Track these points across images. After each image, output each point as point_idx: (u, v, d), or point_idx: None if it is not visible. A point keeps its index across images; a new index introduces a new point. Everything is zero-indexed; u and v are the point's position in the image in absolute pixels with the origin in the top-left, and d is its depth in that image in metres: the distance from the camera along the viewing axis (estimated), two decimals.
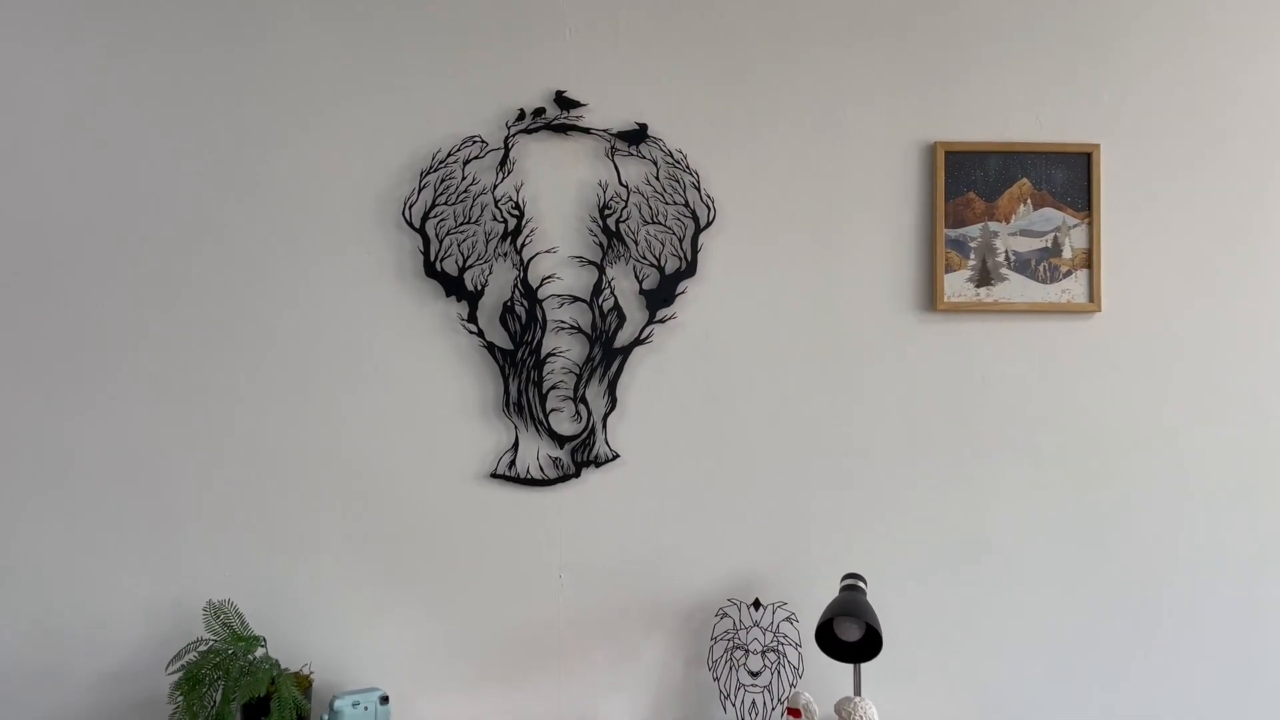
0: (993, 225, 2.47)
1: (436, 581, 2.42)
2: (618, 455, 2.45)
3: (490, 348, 2.41)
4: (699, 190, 2.45)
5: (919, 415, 2.46)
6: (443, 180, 2.41)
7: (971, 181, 2.46)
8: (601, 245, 2.44)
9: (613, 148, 2.43)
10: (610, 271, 2.44)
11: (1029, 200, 2.47)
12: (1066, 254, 2.47)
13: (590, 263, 2.44)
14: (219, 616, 2.22)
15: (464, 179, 2.41)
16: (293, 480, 2.40)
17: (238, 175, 2.40)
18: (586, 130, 2.43)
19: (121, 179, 2.39)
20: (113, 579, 2.37)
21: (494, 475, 2.42)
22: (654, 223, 2.44)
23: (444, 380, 2.42)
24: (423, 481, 2.42)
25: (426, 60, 2.43)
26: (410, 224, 2.40)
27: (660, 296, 2.44)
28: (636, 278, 2.44)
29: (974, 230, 2.46)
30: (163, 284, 2.39)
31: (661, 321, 2.44)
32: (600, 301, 2.43)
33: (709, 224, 2.45)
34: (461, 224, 2.41)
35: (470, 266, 2.41)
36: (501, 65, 2.44)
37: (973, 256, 2.46)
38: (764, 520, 2.45)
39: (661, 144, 2.44)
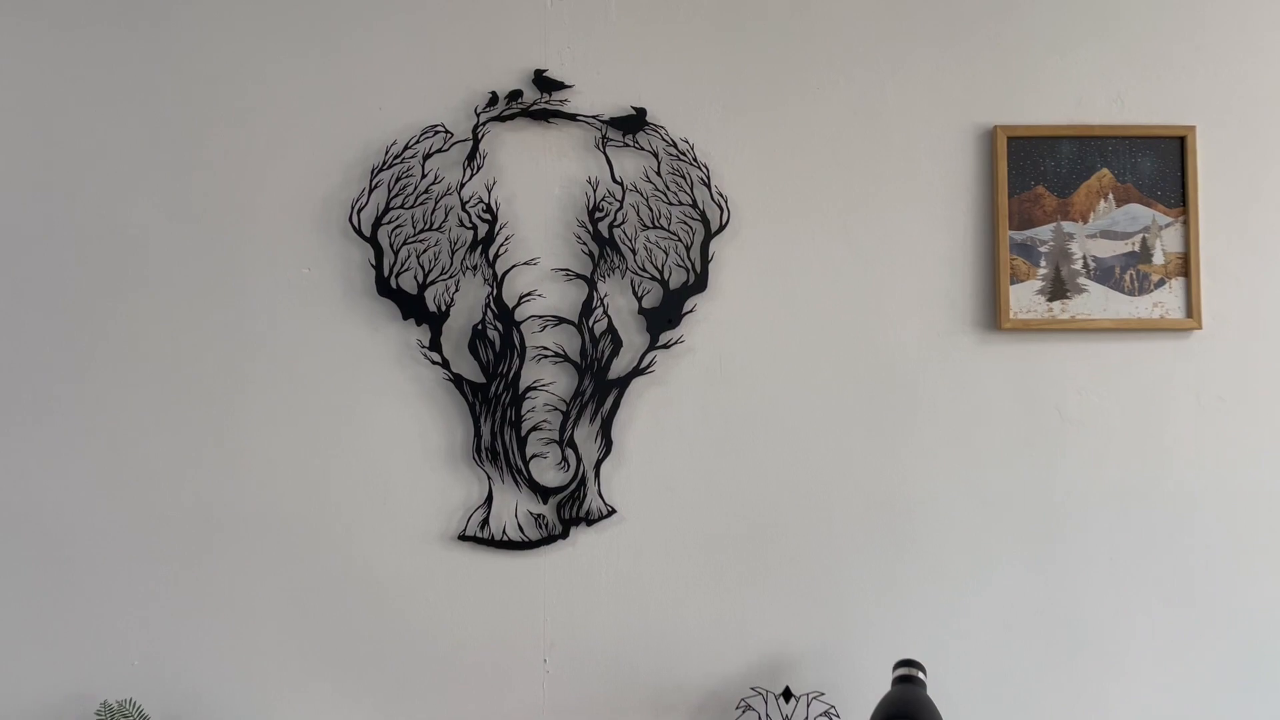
0: (1067, 226, 2.04)
1: (395, 670, 1.98)
2: (613, 511, 2.01)
3: (457, 381, 1.99)
4: (709, 187, 2.03)
5: (981, 460, 2.02)
6: (398, 178, 2.00)
7: (1040, 173, 2.04)
8: (592, 255, 2.01)
9: (604, 137, 2.02)
10: (603, 287, 2.02)
11: (1110, 195, 2.04)
12: (1158, 259, 2.03)
13: (578, 276, 2.02)
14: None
15: (424, 176, 2.00)
16: (221, 545, 1.97)
17: (150, 177, 1.99)
18: (572, 117, 2.02)
19: (7, 183, 1.99)
20: None
21: (463, 537, 1.99)
22: (655, 227, 2.02)
23: (402, 421, 2.00)
24: (378, 545, 1.99)
25: (379, 36, 2.03)
26: (359, 232, 1.99)
27: (663, 316, 2.01)
28: (634, 294, 2.02)
29: (1044, 232, 2.03)
30: (62, 310, 1.98)
31: (665, 346, 2.01)
32: (591, 323, 2.01)
33: (722, 228, 2.03)
34: (421, 231, 1.99)
35: (432, 282, 1.99)
36: (469, 41, 2.04)
37: (1044, 264, 2.03)
38: (795, 590, 2.01)
39: (663, 132, 2.03)
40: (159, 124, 2.00)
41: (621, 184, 2.02)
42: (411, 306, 1.98)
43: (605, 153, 2.02)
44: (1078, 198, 2.04)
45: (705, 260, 2.02)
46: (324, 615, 1.98)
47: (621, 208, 2.02)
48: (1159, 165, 2.04)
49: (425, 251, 1.99)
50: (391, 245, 1.99)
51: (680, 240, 2.03)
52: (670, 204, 2.03)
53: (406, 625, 1.98)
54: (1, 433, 1.98)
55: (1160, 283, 2.03)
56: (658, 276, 2.02)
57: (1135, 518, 2.01)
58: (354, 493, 1.99)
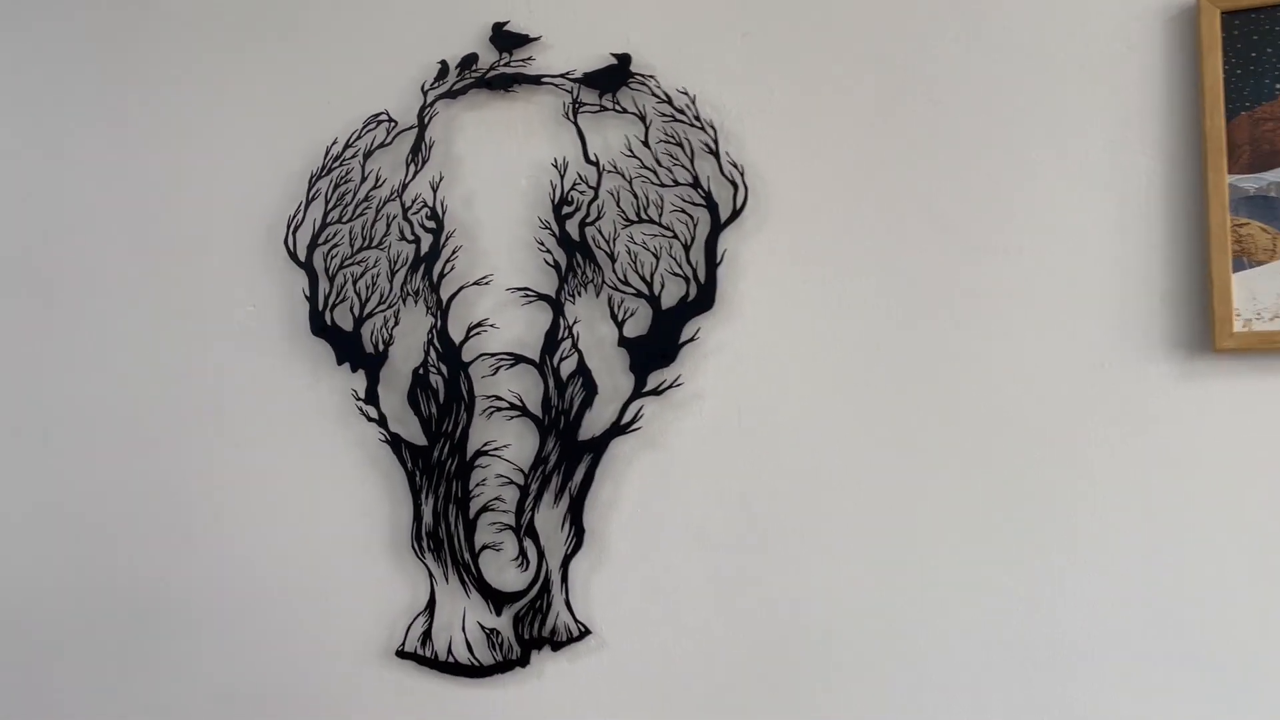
0: None
1: None
2: (587, 631, 1.43)
3: (394, 443, 1.52)
4: (717, 156, 1.39)
5: (1202, 600, 1.15)
6: (336, 185, 1.60)
7: None
8: (557, 266, 1.46)
9: (575, 101, 1.47)
10: (572, 310, 1.46)
11: None
12: None
13: (541, 297, 1.47)
14: None
15: (364, 179, 1.58)
16: (158, 632, 1.67)
17: (92, 203, 1.76)
18: (537, 80, 1.49)
19: None
20: None
21: (401, 653, 1.51)
22: (641, 220, 1.43)
23: (342, 493, 1.58)
24: (310, 653, 1.58)
25: (324, 11, 1.65)
26: (293, 255, 1.61)
27: (653, 348, 1.40)
28: (614, 316, 1.43)
29: None
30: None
31: (657, 392, 1.40)
32: (556, 362, 1.45)
33: (736, 214, 1.38)
34: (360, 249, 1.57)
35: (370, 315, 1.56)
36: (422, 2, 1.59)
37: None
38: None
39: (654, 84, 1.43)
40: (105, 144, 1.76)
41: (596, 163, 1.45)
42: (346, 347, 1.56)
43: (576, 122, 1.47)
44: None
45: (712, 264, 1.38)
46: None
47: (596, 197, 1.45)
48: None
49: (363, 275, 1.57)
50: (327, 270, 1.59)
51: (677, 236, 1.41)
52: (661, 185, 1.42)
53: None
54: None
55: None
56: (644, 291, 1.41)
57: None
58: (289, 583, 1.60)
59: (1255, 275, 1.15)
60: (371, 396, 1.55)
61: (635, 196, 1.43)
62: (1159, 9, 1.21)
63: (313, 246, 1.60)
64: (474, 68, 1.53)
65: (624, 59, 1.45)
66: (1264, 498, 1.15)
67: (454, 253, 1.52)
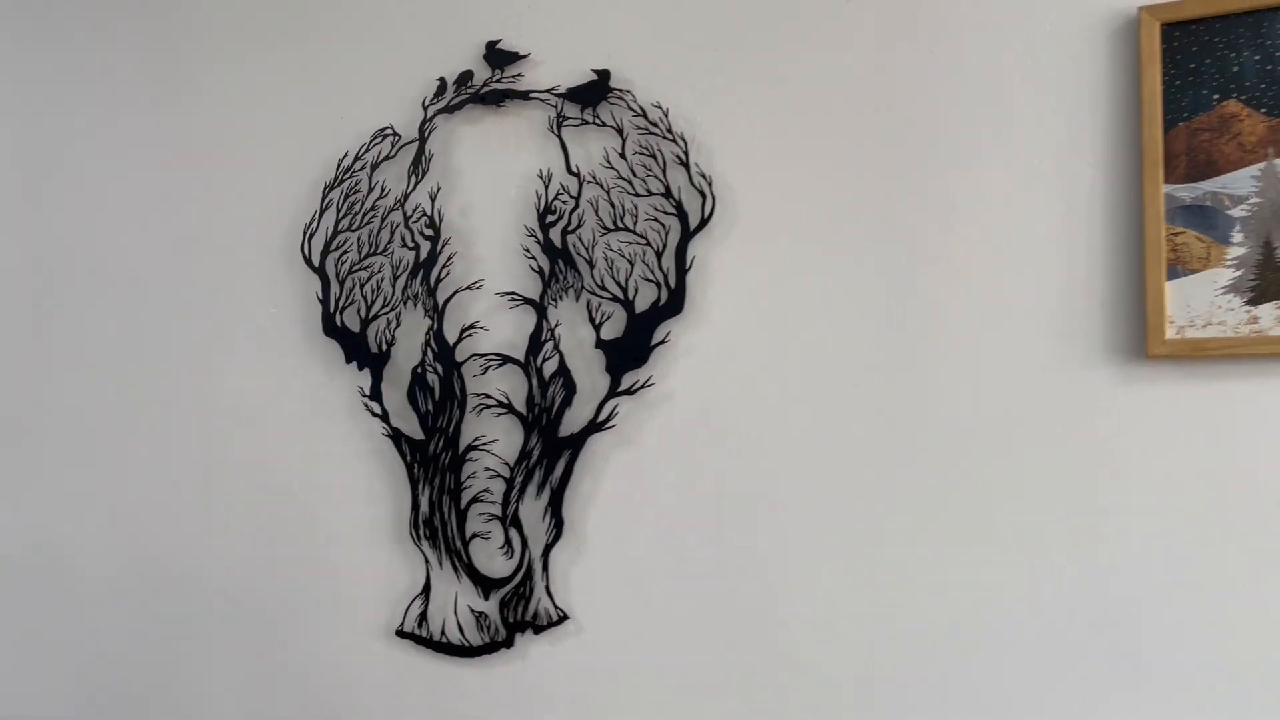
0: None
1: None
2: (565, 616, 1.52)
3: (395, 437, 1.64)
4: (687, 166, 1.47)
5: (1134, 602, 1.19)
6: (347, 195, 1.72)
7: (1232, 78, 1.17)
8: (541, 273, 1.55)
9: (559, 115, 1.55)
10: (554, 313, 1.55)
11: None
12: None
13: (526, 301, 1.57)
14: None
15: (370, 190, 1.70)
16: (188, 614, 1.82)
17: (123, 210, 1.90)
18: (525, 95, 1.58)
19: None
20: None
21: (400, 632, 1.63)
22: (619, 228, 1.51)
23: (349, 485, 1.70)
24: (322, 632, 1.71)
25: (343, 37, 1.76)
26: (308, 261, 1.73)
27: (628, 350, 1.49)
28: (592, 320, 1.52)
29: (1242, 180, 1.16)
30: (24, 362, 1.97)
31: (630, 392, 1.49)
32: (539, 363, 1.55)
33: (704, 222, 1.45)
34: (366, 255, 1.69)
35: (375, 316, 1.68)
36: (424, 14, 1.69)
37: (1240, 237, 1.15)
38: None
39: (630, 98, 1.51)
40: (133, 152, 1.90)
41: (578, 174, 1.54)
42: (354, 347, 1.68)
43: (560, 135, 1.55)
44: None
45: (682, 270, 1.46)
46: (281, 699, 1.74)
47: (577, 206, 1.53)
48: None
49: (369, 280, 1.68)
50: (337, 275, 1.71)
51: (650, 244, 1.48)
52: (636, 195, 1.50)
53: None
54: None
55: None
56: (620, 296, 1.50)
57: None
58: (306, 569, 1.73)
59: (1189, 283, 1.18)
60: (376, 393, 1.66)
61: (612, 206, 1.52)
62: (1103, 21, 1.24)
63: (325, 252, 1.72)
64: (469, 84, 1.63)
65: (604, 74, 1.53)
66: (1193, 501, 1.18)
67: (450, 259, 1.63)
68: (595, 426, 1.51)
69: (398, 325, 1.66)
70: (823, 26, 1.40)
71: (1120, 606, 1.21)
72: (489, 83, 1.62)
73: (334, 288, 1.71)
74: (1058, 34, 1.26)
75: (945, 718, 1.32)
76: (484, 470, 1.59)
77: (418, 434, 1.63)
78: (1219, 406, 1.16)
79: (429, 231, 1.64)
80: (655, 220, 1.49)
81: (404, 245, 1.66)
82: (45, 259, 1.92)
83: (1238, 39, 1.17)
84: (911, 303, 1.34)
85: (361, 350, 1.68)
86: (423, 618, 1.62)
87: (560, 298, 1.55)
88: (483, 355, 1.59)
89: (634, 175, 1.50)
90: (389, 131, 1.69)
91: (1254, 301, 1.15)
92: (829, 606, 1.38)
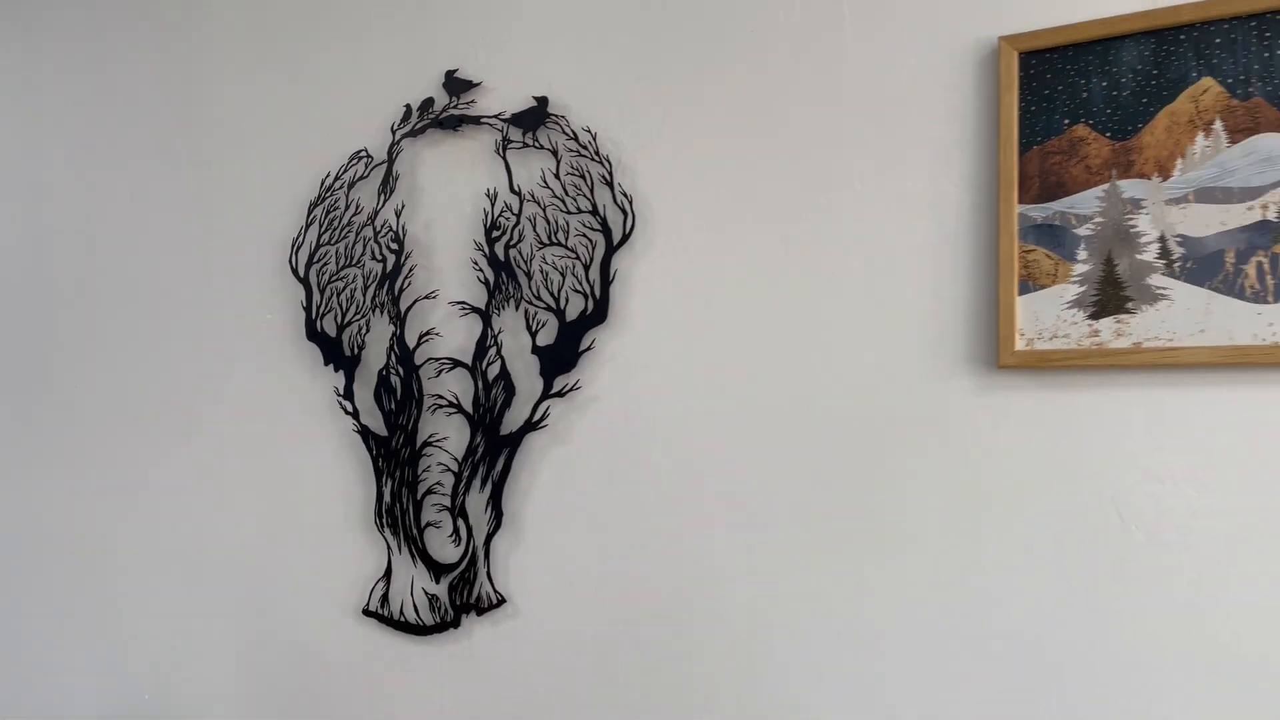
0: (1130, 186, 1.21)
1: None
2: (504, 600, 1.66)
3: (364, 434, 1.81)
4: (611, 187, 1.59)
5: (972, 592, 1.28)
6: (328, 212, 1.90)
7: (1081, 104, 1.24)
8: (488, 283, 1.70)
9: (504, 139, 1.70)
10: (497, 321, 1.69)
11: (1219, 122, 1.17)
12: None
13: (474, 310, 1.72)
14: None
15: (347, 207, 1.87)
16: (182, 592, 2.02)
17: (130, 223, 2.12)
18: (477, 120, 1.73)
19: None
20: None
21: (366, 612, 1.80)
22: (552, 243, 1.64)
23: (326, 477, 1.88)
24: (308, 611, 1.89)
25: (326, 55, 1.94)
26: (295, 272, 1.92)
27: (559, 356, 1.62)
28: (529, 328, 1.66)
29: (1087, 200, 1.23)
30: (64, 361, 2.20)
31: (560, 394, 1.62)
32: (484, 366, 1.70)
33: (625, 238, 1.58)
34: (343, 267, 1.86)
35: (349, 323, 1.85)
36: (394, 46, 1.86)
37: (1084, 255, 1.23)
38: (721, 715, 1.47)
39: (564, 123, 1.65)
40: (143, 169, 2.12)
41: (519, 193, 1.68)
42: (331, 351, 1.86)
43: (504, 157, 1.70)
44: (1151, 136, 1.20)
45: (606, 282, 1.59)
46: (269, 671, 1.93)
47: (519, 223, 1.68)
48: None
49: (344, 290, 1.86)
50: (318, 284, 1.89)
51: (579, 258, 1.62)
52: (568, 212, 1.63)
53: (322, 699, 1.85)
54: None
55: None
56: (553, 306, 1.64)
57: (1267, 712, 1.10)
58: (292, 550, 1.91)
59: (1039, 298, 1.26)
60: (349, 393, 1.84)
61: (548, 222, 1.66)
62: (969, 51, 1.32)
63: (309, 264, 1.90)
64: (431, 110, 1.79)
65: (542, 101, 1.67)
66: (1039, 502, 1.26)
67: (411, 270, 1.79)
68: (531, 426, 1.65)
69: (368, 331, 1.83)
70: (733, 60, 1.51)
71: (975, 597, 1.30)
72: (447, 108, 1.78)
73: (315, 296, 1.89)
74: (931, 64, 1.35)
75: (820, 691, 1.43)
76: (437, 465, 1.75)
77: (382, 430, 1.80)
78: (1063, 415, 1.24)
79: (394, 245, 1.81)
80: (584, 236, 1.62)
81: (373, 258, 1.83)
82: (59, 268, 2.17)
83: (1087, 66, 1.24)
84: (802, 314, 1.44)
85: (337, 353, 1.86)
86: (385, 599, 1.79)
87: (503, 307, 1.70)
88: (437, 359, 1.75)
89: (566, 194, 1.64)
90: (363, 154, 1.86)
91: (1095, 316, 1.22)
92: (730, 588, 1.50)
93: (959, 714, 1.33)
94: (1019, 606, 1.28)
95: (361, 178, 1.86)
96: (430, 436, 1.75)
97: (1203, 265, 1.17)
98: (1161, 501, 1.19)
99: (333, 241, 1.88)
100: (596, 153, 1.62)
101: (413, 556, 1.76)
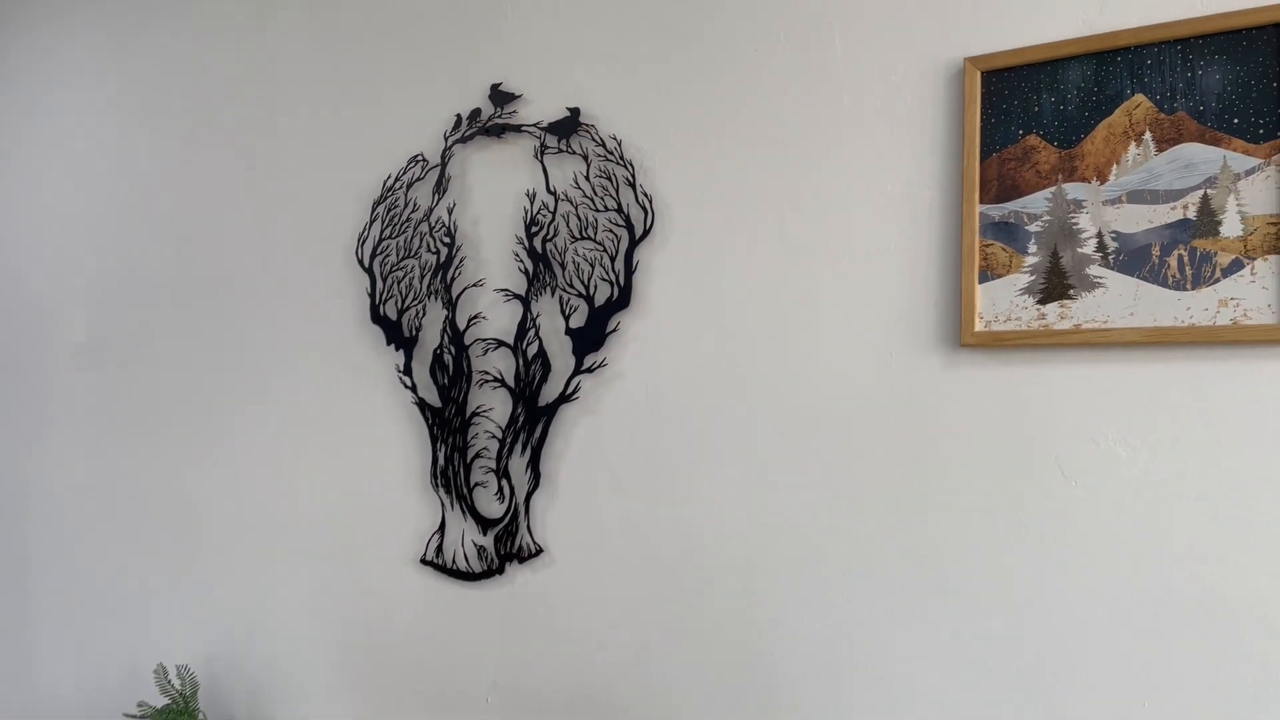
0: (1073, 189, 1.40)
1: (378, 679, 2.12)
2: (541, 549, 1.91)
3: (421, 405, 2.07)
4: (634, 187, 1.82)
5: (930, 542, 1.48)
6: (389, 210, 2.15)
7: (1033, 117, 1.44)
8: (527, 273, 1.94)
9: (541, 145, 1.93)
10: (536, 306, 1.93)
11: (1147, 134, 1.35)
12: (1231, 228, 1.29)
13: (515, 296, 1.96)
14: (171, 681, 2.22)
15: (406, 205, 2.12)
16: (266, 547, 2.31)
17: (217, 218, 2.41)
18: (519, 129, 1.97)
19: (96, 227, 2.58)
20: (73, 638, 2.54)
21: (424, 561, 2.06)
22: (583, 238, 1.88)
23: (388, 443, 2.14)
24: (373, 561, 2.16)
25: (388, 70, 2.19)
26: (360, 263, 2.18)
27: (589, 337, 1.86)
28: (563, 312, 1.89)
29: (1037, 201, 1.43)
30: (157, 341, 2.50)
31: (590, 371, 1.86)
32: (525, 346, 1.94)
33: (646, 233, 1.80)
34: (402, 258, 2.12)
35: (408, 308, 2.11)
36: (447, 62, 2.10)
37: (1034, 248, 1.42)
38: (721, 656, 1.69)
39: (594, 130, 1.87)
40: (226, 174, 2.41)
41: (554, 193, 1.91)
42: (392, 332, 2.12)
43: (542, 161, 1.93)
44: (1091, 145, 1.39)
45: (629, 271, 1.82)
46: (335, 620, 2.20)
47: (554, 219, 1.91)
48: (1237, 77, 1.30)
49: (404, 278, 2.11)
50: (381, 273, 2.15)
51: (606, 250, 1.85)
52: (597, 210, 1.86)
53: (388, 640, 2.12)
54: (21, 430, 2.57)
55: (1234, 266, 1.29)
56: (584, 293, 1.87)
57: (1183, 651, 1.29)
58: (357, 510, 2.19)
59: (996, 286, 1.45)
60: (408, 370, 2.09)
61: (579, 219, 1.89)
62: (940, 69, 1.52)
63: (373, 256, 2.16)
64: (478, 119, 2.03)
65: (575, 111, 1.90)
66: (993, 466, 1.46)
67: (461, 261, 2.04)
68: (565, 398, 1.89)
69: (424, 315, 2.09)
70: (739, 76, 1.72)
71: (934, 541, 1.51)
72: (492, 118, 2.01)
73: (378, 284, 2.15)
74: (908, 80, 1.55)
75: (802, 619, 1.65)
76: (484, 432, 2.00)
77: (437, 402, 2.05)
78: (1015, 386, 1.44)
79: (447, 239, 2.06)
80: (611, 231, 1.85)
81: (429, 250, 2.08)
82: (155, 260, 2.46)
83: (1039, 84, 1.43)
84: (796, 300, 1.65)
85: (398, 335, 2.11)
86: (439, 549, 2.05)
87: (540, 294, 1.93)
88: (484, 340, 2.00)
89: (595, 194, 1.87)
90: (420, 158, 2.11)
91: (1042, 301, 1.41)
92: (737, 543, 1.72)
93: (918, 651, 1.54)
94: (974, 549, 1.49)
95: (418, 179, 2.12)
96: (478, 407, 2.00)
97: (1133, 257, 1.36)
98: (1096, 460, 1.38)
99: (393, 235, 2.14)
100: (621, 157, 1.84)
101: (463, 512, 2.01)
